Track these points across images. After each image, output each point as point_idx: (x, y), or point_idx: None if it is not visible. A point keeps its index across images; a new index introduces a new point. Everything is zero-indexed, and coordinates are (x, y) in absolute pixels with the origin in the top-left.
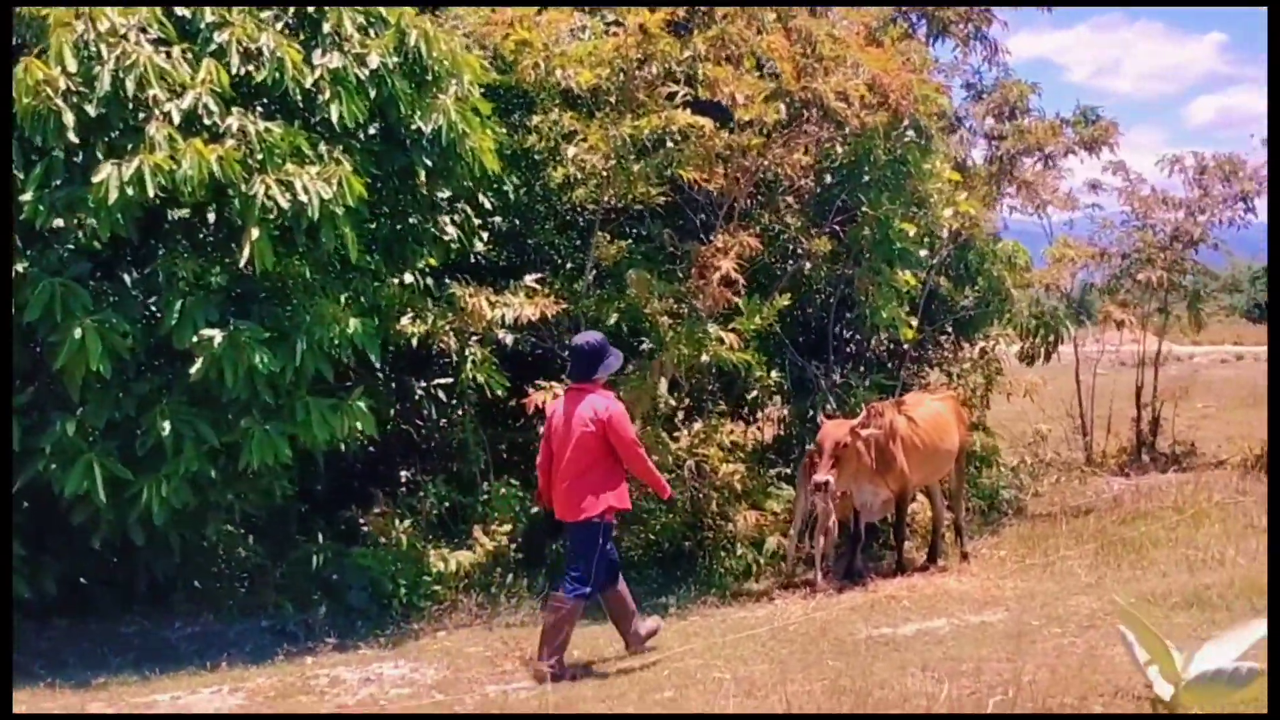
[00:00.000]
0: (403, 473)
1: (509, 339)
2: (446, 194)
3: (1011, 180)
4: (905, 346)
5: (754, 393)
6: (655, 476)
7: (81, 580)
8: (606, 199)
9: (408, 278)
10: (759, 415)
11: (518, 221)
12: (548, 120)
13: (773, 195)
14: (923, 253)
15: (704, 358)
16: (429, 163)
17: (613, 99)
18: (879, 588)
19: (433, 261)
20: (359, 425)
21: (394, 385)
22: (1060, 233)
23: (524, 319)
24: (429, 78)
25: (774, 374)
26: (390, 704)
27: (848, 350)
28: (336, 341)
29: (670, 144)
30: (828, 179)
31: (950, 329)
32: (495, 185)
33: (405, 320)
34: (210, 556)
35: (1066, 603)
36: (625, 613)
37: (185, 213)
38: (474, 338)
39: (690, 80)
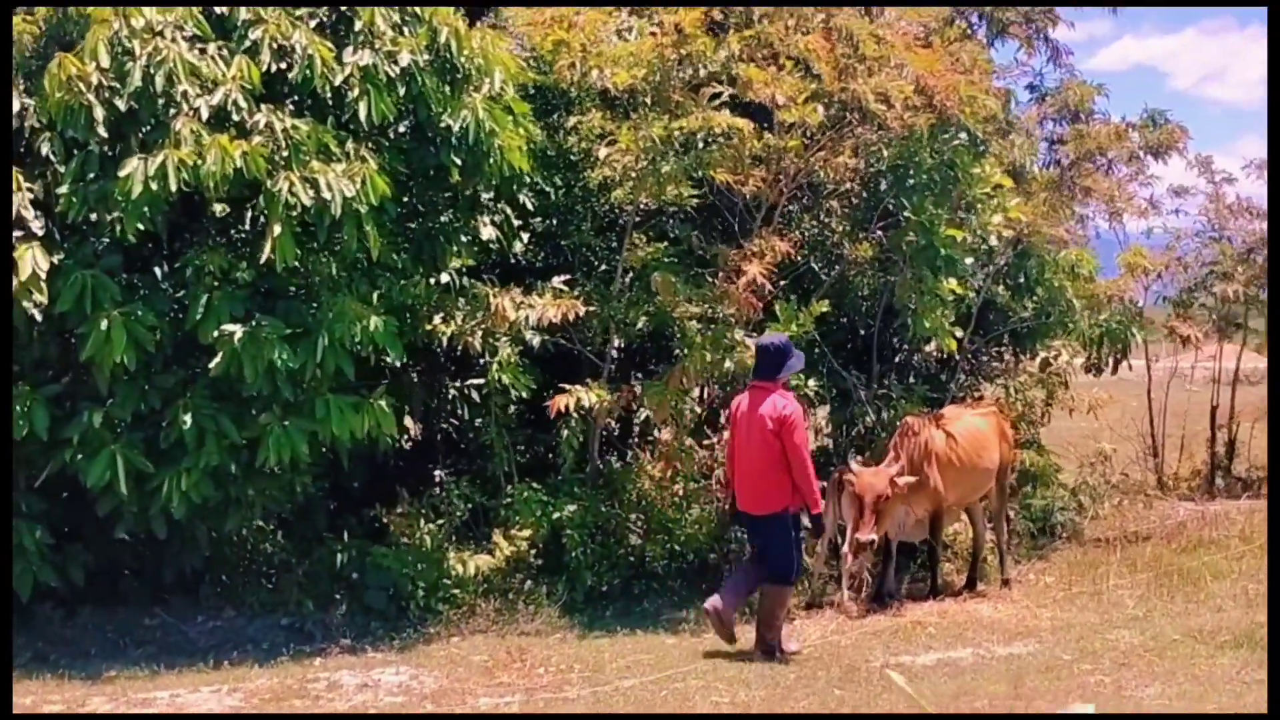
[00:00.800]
0: (437, 473)
1: (536, 340)
2: (487, 194)
3: (1073, 186)
4: (957, 357)
5: None
6: (812, 485)
7: (110, 570)
8: (641, 201)
9: (444, 277)
10: None
11: (556, 222)
12: (584, 121)
13: (816, 199)
14: (969, 260)
15: (727, 364)
16: (458, 161)
17: (648, 99)
18: (907, 612)
19: (470, 261)
20: (381, 424)
21: (430, 385)
22: (1136, 241)
23: (546, 320)
24: (459, 76)
25: (812, 382)
26: (381, 711)
27: (896, 360)
28: (358, 339)
29: (701, 145)
30: (873, 183)
31: (1007, 340)
32: (535, 185)
33: (438, 320)
34: (239, 551)
35: (1106, 636)
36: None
37: (220, 208)
38: (504, 338)
39: (732, 81)
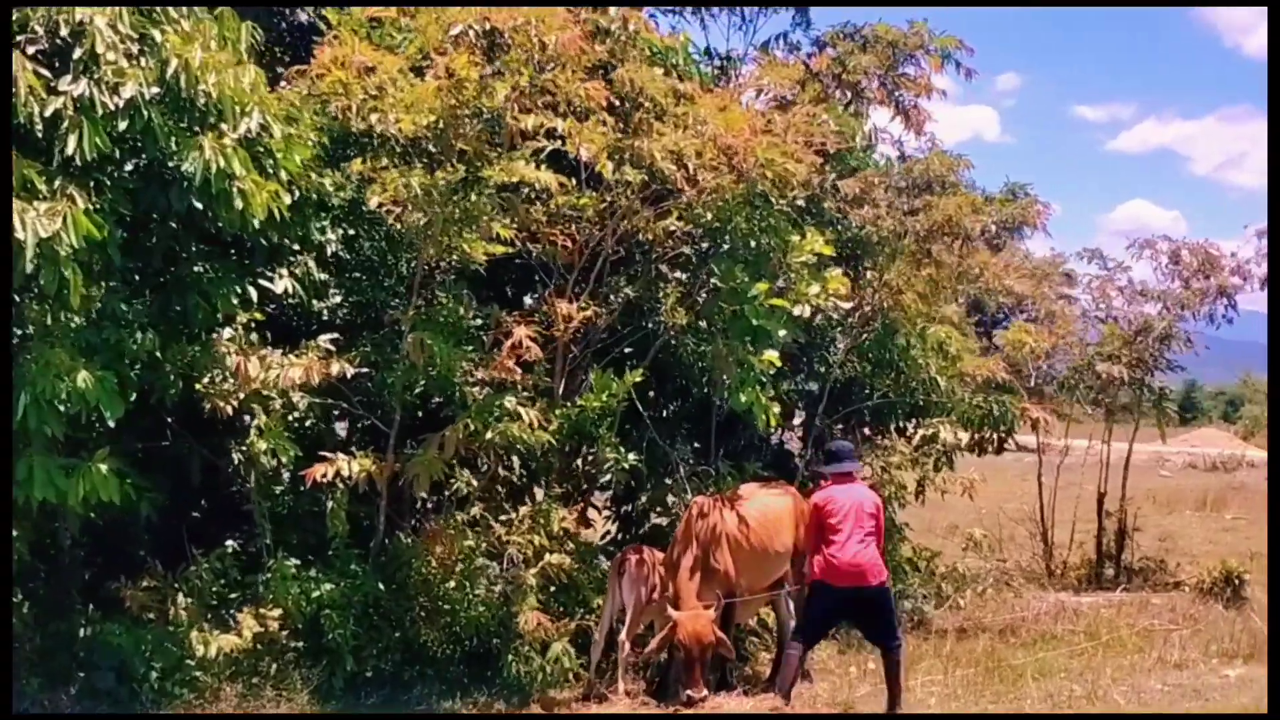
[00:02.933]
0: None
1: (304, 403)
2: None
3: (928, 259)
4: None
5: (608, 475)
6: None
7: None
8: (430, 256)
9: (227, 332)
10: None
11: (364, 277)
12: (362, 168)
13: (647, 261)
14: (782, 333)
15: (489, 435)
16: (199, 205)
17: (432, 147)
18: (694, 706)
19: (257, 316)
20: (100, 490)
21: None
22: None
23: (290, 382)
24: (197, 113)
25: (632, 456)
26: None
27: (743, 436)
28: (64, 396)
29: (476, 197)
30: (687, 247)
31: (868, 417)
32: (348, 236)
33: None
34: None
35: None
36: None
37: None
38: (268, 401)
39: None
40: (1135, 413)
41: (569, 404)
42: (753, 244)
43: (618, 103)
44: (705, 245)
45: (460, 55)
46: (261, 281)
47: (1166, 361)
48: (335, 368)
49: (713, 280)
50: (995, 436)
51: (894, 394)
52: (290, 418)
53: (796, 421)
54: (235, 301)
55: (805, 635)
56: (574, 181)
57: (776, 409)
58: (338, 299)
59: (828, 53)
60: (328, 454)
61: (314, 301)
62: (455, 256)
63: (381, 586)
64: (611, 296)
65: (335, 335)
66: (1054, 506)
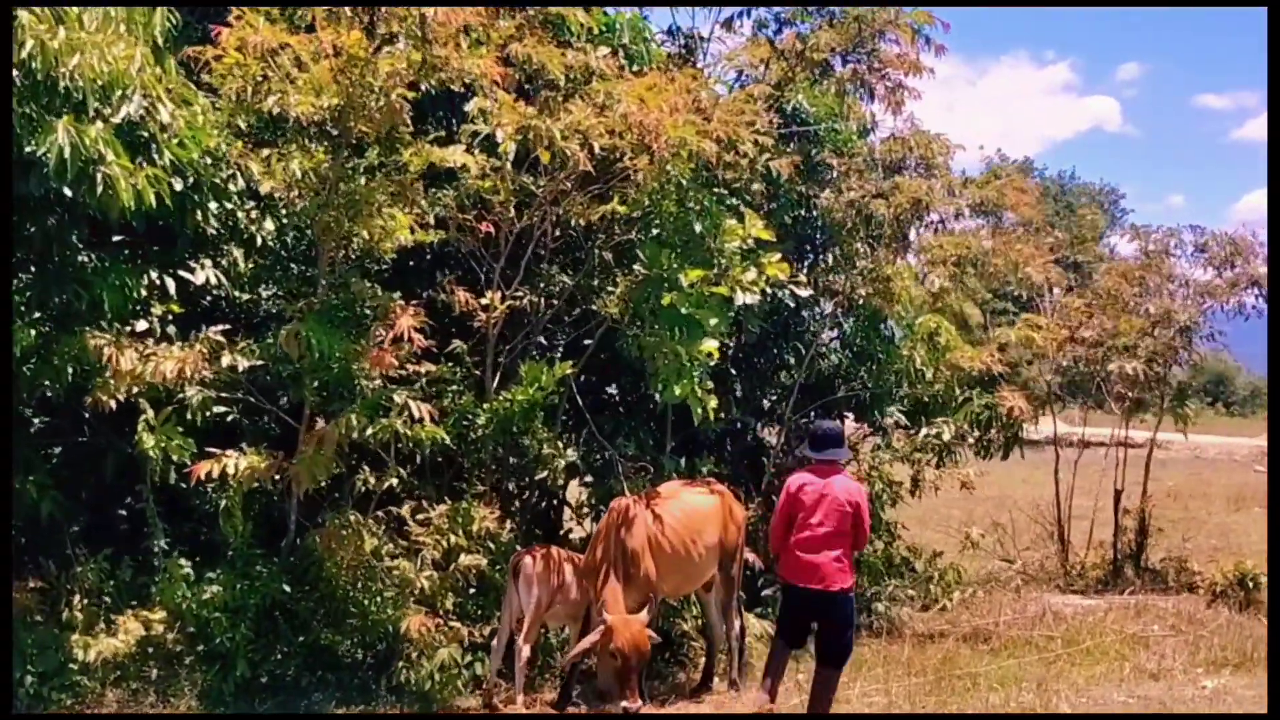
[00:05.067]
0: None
1: (197, 398)
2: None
3: (902, 241)
4: (779, 428)
5: (543, 473)
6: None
7: None
8: (330, 245)
9: (141, 324)
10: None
11: (294, 267)
12: (275, 153)
13: (584, 248)
14: (713, 321)
15: (369, 430)
16: (68, 192)
17: (333, 130)
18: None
19: (175, 308)
20: None
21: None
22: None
23: (158, 376)
24: (58, 96)
25: (570, 452)
26: None
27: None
28: None
29: (368, 182)
30: (617, 231)
31: (851, 411)
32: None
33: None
34: None
35: None
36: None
37: None
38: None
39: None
40: (1158, 408)
41: (498, 397)
42: (685, 229)
43: (528, 82)
44: (635, 231)
45: (350, 32)
46: (182, 273)
47: (1191, 354)
48: (227, 360)
49: (636, 266)
50: (1001, 437)
51: (877, 386)
52: (208, 414)
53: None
54: (131, 293)
55: (779, 632)
56: (507, 166)
57: (714, 402)
58: (272, 290)
59: (794, 30)
60: (214, 450)
61: (240, 293)
62: (356, 244)
63: (288, 588)
64: (546, 285)
65: (226, 326)
66: (1070, 503)
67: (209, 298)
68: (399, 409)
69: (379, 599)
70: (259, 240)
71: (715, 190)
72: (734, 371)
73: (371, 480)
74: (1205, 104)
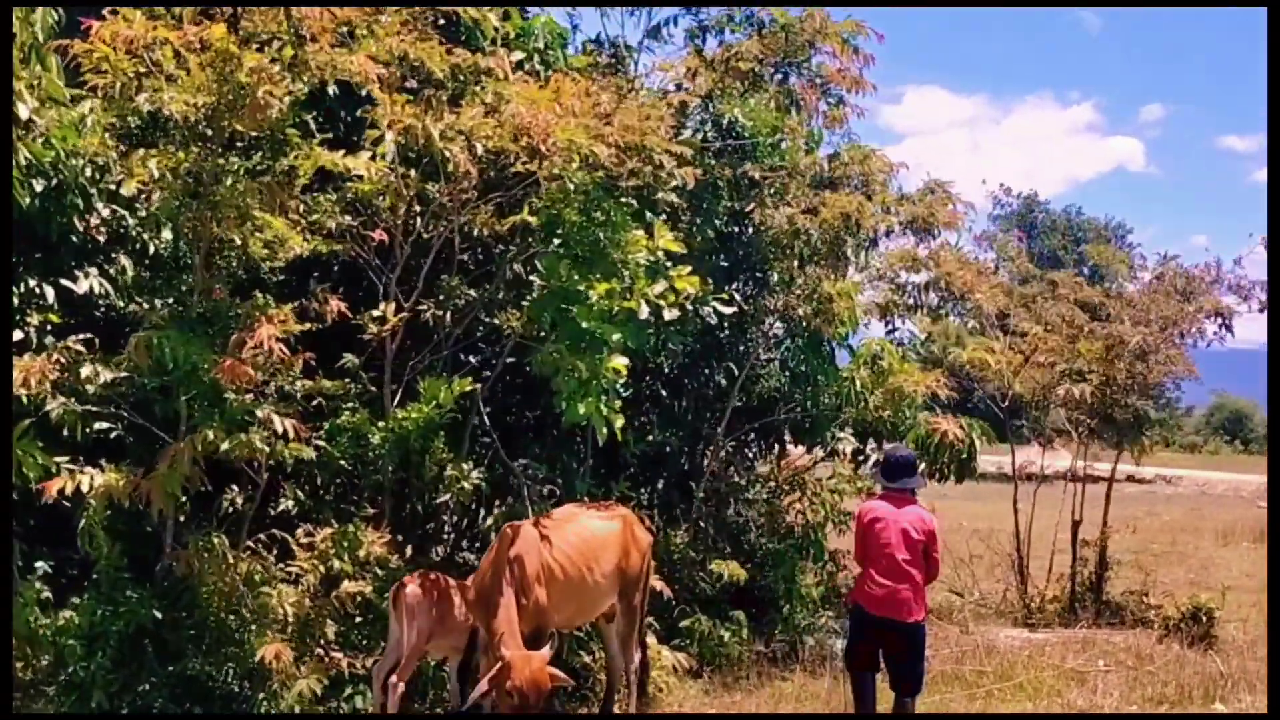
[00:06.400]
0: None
1: (57, 411)
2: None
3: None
4: (713, 449)
5: (444, 496)
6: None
7: None
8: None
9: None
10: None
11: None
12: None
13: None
14: (615, 337)
15: (224, 446)
16: None
17: (207, 130)
18: None
19: (52, 317)
20: None
21: None
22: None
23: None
24: None
25: (475, 474)
26: None
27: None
28: None
29: (232, 184)
30: (532, 243)
31: (788, 435)
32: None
33: None
34: None
35: None
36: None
37: None
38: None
39: None
40: (1113, 438)
41: (396, 414)
42: (588, 239)
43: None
44: (531, 241)
45: (216, 26)
46: (64, 281)
47: (1145, 384)
48: (86, 371)
49: (534, 278)
50: (952, 465)
51: (817, 409)
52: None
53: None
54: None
55: (849, 660)
56: (398, 169)
57: (620, 421)
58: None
59: (723, 39)
60: (72, 467)
61: (128, 303)
62: (234, 251)
63: (159, 615)
64: (449, 299)
65: (86, 336)
66: (1029, 535)
67: (101, 308)
68: (261, 424)
69: (254, 626)
70: (152, 248)
71: (623, 200)
72: (664, 392)
73: (240, 500)
74: (1228, 145)
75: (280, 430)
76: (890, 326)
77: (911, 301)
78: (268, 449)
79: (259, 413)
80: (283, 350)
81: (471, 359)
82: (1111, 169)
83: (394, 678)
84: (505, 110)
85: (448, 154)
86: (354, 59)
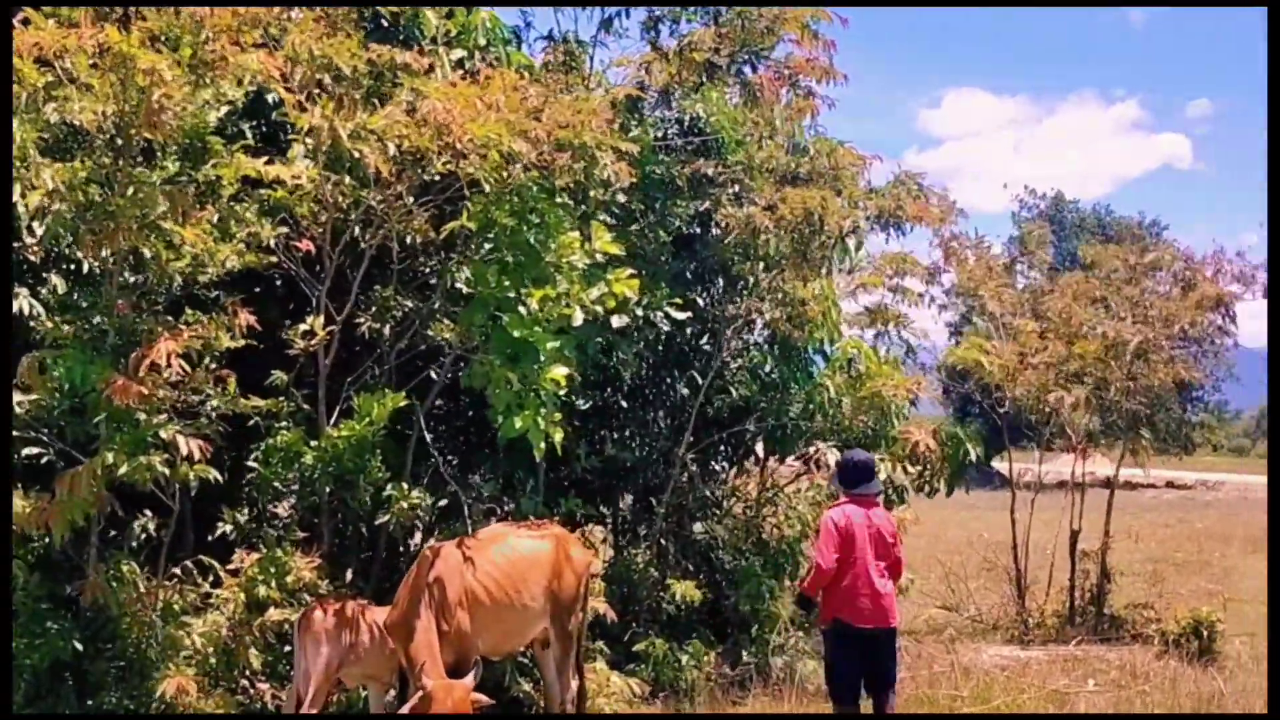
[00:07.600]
0: None
1: None
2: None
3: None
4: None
5: (384, 518)
6: None
7: None
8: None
9: None
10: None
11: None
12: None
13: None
14: (551, 345)
15: (123, 469)
16: None
17: (117, 139)
18: None
19: None
20: None
21: None
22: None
23: None
24: None
25: (415, 493)
26: None
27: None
28: None
29: (133, 194)
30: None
31: (760, 446)
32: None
33: None
34: None
35: None
36: None
37: None
38: None
39: None
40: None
41: (330, 433)
42: (520, 243)
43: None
44: (473, 248)
45: (110, 28)
46: None
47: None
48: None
49: (460, 285)
50: (934, 477)
51: (785, 418)
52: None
53: None
54: None
55: (842, 695)
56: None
57: (559, 435)
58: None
59: (676, 30)
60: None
61: (59, 323)
62: (146, 266)
63: (80, 646)
64: (385, 311)
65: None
66: (1028, 545)
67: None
68: (163, 446)
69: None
70: (86, 267)
71: (560, 202)
72: (624, 404)
73: (152, 526)
74: None
75: (185, 452)
76: (880, 334)
77: (906, 308)
78: (167, 471)
79: (164, 434)
80: (183, 367)
81: (425, 374)
82: (1158, 166)
83: (305, 707)
84: (422, 107)
85: (357, 155)
86: (251, 57)
